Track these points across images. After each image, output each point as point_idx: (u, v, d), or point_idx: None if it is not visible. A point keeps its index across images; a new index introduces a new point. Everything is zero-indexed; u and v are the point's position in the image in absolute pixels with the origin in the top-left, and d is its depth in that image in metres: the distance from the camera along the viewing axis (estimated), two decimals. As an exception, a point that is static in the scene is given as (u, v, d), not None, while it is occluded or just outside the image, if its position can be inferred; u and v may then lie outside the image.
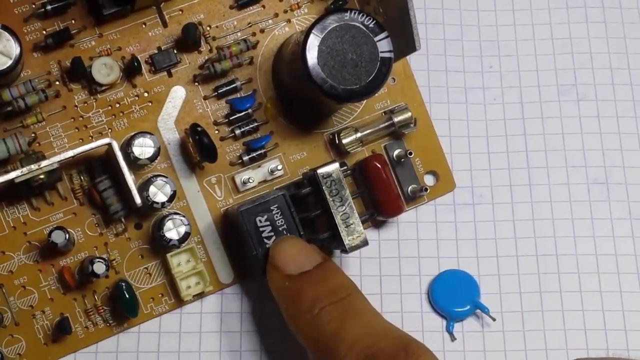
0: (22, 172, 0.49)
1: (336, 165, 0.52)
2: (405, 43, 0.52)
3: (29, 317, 0.53)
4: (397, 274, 0.57)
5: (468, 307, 0.56)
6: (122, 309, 0.52)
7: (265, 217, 0.52)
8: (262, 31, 0.56)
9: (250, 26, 0.56)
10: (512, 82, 0.60)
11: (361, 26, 0.51)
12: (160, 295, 0.54)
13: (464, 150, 0.59)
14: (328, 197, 0.51)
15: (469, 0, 0.61)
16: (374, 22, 0.51)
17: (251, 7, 0.56)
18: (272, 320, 0.55)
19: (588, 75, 0.61)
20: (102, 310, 0.53)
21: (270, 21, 0.56)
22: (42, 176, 0.50)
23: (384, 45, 0.51)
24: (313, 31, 0.50)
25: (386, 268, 0.57)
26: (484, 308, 0.55)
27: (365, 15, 0.51)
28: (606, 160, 0.59)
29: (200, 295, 0.54)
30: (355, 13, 0.51)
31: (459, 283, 0.56)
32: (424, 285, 0.57)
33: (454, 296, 0.55)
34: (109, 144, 0.51)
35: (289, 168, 0.56)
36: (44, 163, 0.49)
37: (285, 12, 0.56)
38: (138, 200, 0.51)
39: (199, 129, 0.52)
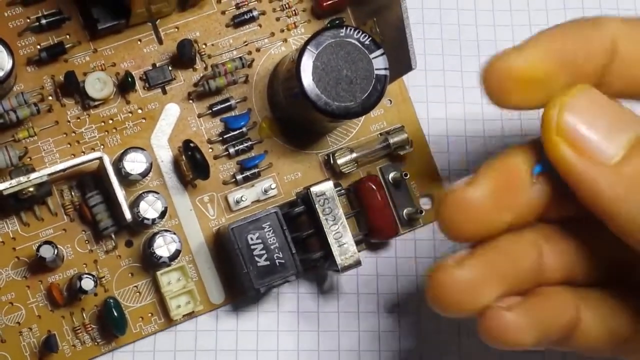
0: (10, 184, 0.49)
1: (330, 183, 0.51)
2: (402, 62, 0.51)
3: (16, 334, 0.52)
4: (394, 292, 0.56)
5: None
6: (110, 326, 0.51)
7: (257, 234, 0.51)
8: (258, 50, 0.56)
9: (247, 45, 0.55)
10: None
11: (357, 43, 0.50)
12: (149, 315, 0.53)
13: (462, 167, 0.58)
14: (321, 215, 0.51)
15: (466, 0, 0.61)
16: (370, 39, 0.50)
17: (247, 26, 0.56)
18: (268, 337, 0.54)
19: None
20: (90, 329, 0.52)
21: (266, 40, 0.56)
22: (31, 189, 0.49)
23: (379, 62, 0.50)
24: (308, 47, 0.50)
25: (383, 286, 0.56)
26: None
27: (360, 32, 0.50)
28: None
29: (190, 315, 0.53)
30: (350, 30, 0.50)
31: None
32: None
33: None
34: (100, 158, 0.50)
35: (283, 188, 0.55)
36: (33, 175, 0.49)
37: (282, 31, 0.56)
38: (128, 215, 0.50)
39: (192, 144, 0.52)
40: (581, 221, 0.40)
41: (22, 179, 0.49)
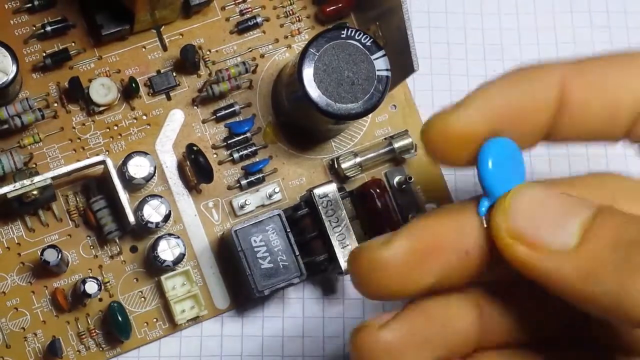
0: (14, 187, 0.49)
1: (333, 185, 0.51)
2: (405, 65, 0.51)
3: (21, 340, 0.52)
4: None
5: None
6: (115, 330, 0.51)
7: (260, 237, 0.51)
8: (262, 56, 0.56)
9: (251, 51, 0.56)
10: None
11: (358, 44, 0.50)
12: (154, 320, 0.53)
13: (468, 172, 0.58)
14: (324, 217, 0.51)
15: (472, 3, 0.60)
16: (371, 40, 0.50)
17: (251, 32, 0.56)
18: (273, 342, 0.54)
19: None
20: (95, 334, 0.52)
21: (270, 46, 0.56)
22: (35, 192, 0.49)
23: (380, 63, 0.50)
24: (310, 48, 0.50)
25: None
26: None
27: (362, 34, 0.50)
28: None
29: (194, 320, 0.53)
30: (352, 31, 0.50)
31: (508, 157, 0.38)
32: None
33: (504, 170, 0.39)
34: (104, 162, 0.50)
35: (287, 193, 0.55)
36: (37, 178, 0.49)
37: (286, 37, 0.56)
38: (132, 218, 0.50)
39: (195, 148, 0.52)
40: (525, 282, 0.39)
41: (26, 182, 0.49)
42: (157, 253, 0.51)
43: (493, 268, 0.36)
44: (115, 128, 0.54)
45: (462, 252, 0.35)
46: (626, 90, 0.37)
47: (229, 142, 0.54)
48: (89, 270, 0.53)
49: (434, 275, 0.36)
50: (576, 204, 0.35)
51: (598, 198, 0.36)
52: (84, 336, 0.52)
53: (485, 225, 0.35)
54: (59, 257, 0.50)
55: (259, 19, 0.56)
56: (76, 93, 0.53)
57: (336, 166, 0.55)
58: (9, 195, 0.49)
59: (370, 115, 0.56)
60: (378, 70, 0.50)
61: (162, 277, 0.52)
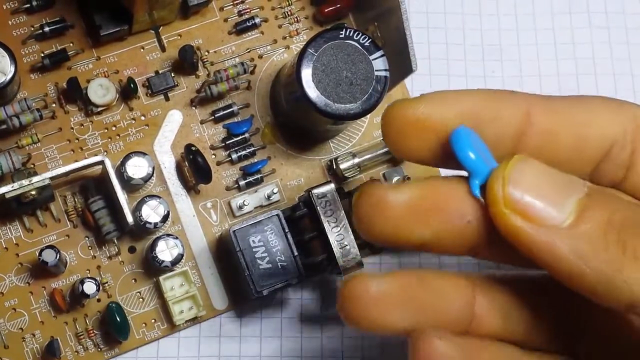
0: (12, 187, 0.49)
1: (331, 185, 0.51)
2: (404, 65, 0.51)
3: (19, 340, 0.52)
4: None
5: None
6: (113, 330, 0.51)
7: (259, 237, 0.51)
8: (260, 57, 0.56)
9: (249, 52, 0.56)
10: (515, 87, 0.59)
11: (356, 44, 0.50)
12: (153, 321, 0.53)
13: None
14: (323, 217, 0.51)
15: (471, 4, 0.60)
16: (369, 40, 0.50)
17: (250, 33, 0.56)
18: (271, 344, 0.54)
19: (590, 80, 0.60)
20: (93, 334, 0.52)
21: (268, 47, 0.56)
22: (33, 192, 0.49)
23: (379, 63, 0.50)
24: (308, 48, 0.50)
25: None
26: None
27: (360, 34, 0.50)
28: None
29: (193, 321, 0.53)
30: (350, 31, 0.50)
31: (475, 141, 0.38)
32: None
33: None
34: (102, 162, 0.50)
35: (285, 194, 0.55)
36: (35, 178, 0.49)
37: (284, 38, 0.56)
38: (130, 218, 0.50)
39: (193, 148, 0.52)
40: (525, 281, 0.39)
41: (24, 182, 0.49)
42: (155, 253, 0.51)
43: (492, 248, 0.37)
44: (114, 129, 0.54)
45: (464, 219, 0.36)
46: (593, 124, 0.38)
47: (227, 142, 0.54)
48: (87, 271, 0.53)
49: (433, 230, 0.36)
50: (572, 182, 0.35)
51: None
52: (82, 337, 0.52)
53: (483, 202, 0.35)
54: (57, 257, 0.50)
55: (257, 20, 0.56)
56: (74, 93, 0.53)
57: (335, 167, 0.55)
58: (7, 196, 0.49)
59: (368, 116, 0.56)
60: (376, 70, 0.50)
61: (161, 278, 0.52)
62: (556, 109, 0.38)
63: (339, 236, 0.51)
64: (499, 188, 0.35)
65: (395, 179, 0.55)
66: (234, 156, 0.54)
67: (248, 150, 0.55)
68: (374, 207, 0.36)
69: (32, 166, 0.52)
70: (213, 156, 0.54)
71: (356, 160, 0.55)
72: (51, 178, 0.50)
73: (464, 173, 0.36)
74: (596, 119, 0.38)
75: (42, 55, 0.53)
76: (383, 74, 0.51)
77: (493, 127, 0.37)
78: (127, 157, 0.51)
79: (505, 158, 0.35)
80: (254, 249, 0.51)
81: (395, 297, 0.37)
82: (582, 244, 0.34)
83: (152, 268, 0.53)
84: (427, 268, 0.37)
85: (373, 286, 0.37)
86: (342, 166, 0.55)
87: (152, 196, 0.52)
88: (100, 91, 0.53)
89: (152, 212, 0.51)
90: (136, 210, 0.51)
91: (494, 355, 0.39)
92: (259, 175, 0.54)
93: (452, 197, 0.36)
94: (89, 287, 0.50)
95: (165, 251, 0.51)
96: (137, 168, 0.51)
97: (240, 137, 0.55)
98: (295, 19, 0.56)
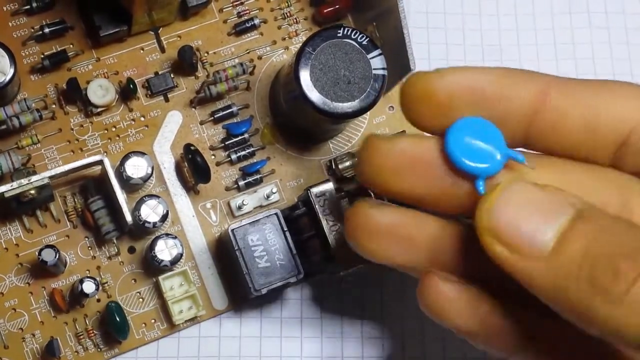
0: (12, 186, 0.49)
1: (330, 184, 0.51)
2: (402, 65, 0.52)
3: (19, 340, 0.52)
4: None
5: (499, 156, 0.38)
6: (112, 330, 0.51)
7: (258, 236, 0.51)
8: (259, 58, 0.56)
9: (248, 53, 0.56)
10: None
11: (354, 43, 0.50)
12: (152, 321, 0.53)
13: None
14: (321, 216, 0.51)
15: (471, 4, 0.60)
16: (367, 39, 0.50)
17: (249, 34, 0.56)
18: (271, 343, 0.54)
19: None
20: (92, 335, 0.52)
21: (268, 48, 0.56)
22: (32, 191, 0.49)
23: (377, 62, 0.50)
24: (306, 47, 0.50)
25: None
26: (518, 156, 0.38)
27: (358, 33, 0.50)
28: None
29: (192, 321, 0.53)
30: (348, 30, 0.50)
31: (478, 133, 0.39)
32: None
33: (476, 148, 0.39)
34: (101, 161, 0.51)
35: (285, 194, 0.55)
36: (34, 178, 0.49)
37: (284, 39, 0.56)
38: (129, 217, 0.50)
39: (192, 147, 0.52)
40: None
41: (23, 181, 0.49)
42: (154, 253, 0.51)
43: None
44: (113, 129, 0.54)
45: (446, 181, 0.38)
46: (610, 108, 0.38)
47: (226, 143, 0.55)
48: (87, 271, 0.53)
49: (423, 186, 0.38)
50: (560, 202, 0.35)
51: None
52: (82, 337, 0.52)
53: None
54: (57, 257, 0.50)
55: (256, 21, 0.56)
56: (74, 94, 0.53)
57: (334, 167, 0.55)
58: (7, 195, 0.49)
59: (367, 116, 0.56)
60: (374, 69, 0.50)
61: (160, 278, 0.52)
62: (573, 90, 0.38)
63: (338, 235, 0.51)
64: (482, 219, 0.36)
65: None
66: (234, 157, 0.54)
67: (247, 151, 0.55)
68: (372, 155, 0.39)
69: (32, 167, 0.52)
70: (212, 157, 0.55)
71: (356, 159, 0.55)
72: (50, 177, 0.50)
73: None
74: (614, 103, 0.38)
75: (42, 56, 0.53)
76: (381, 72, 0.51)
77: (507, 103, 0.38)
78: (126, 157, 0.52)
79: (494, 187, 0.36)
80: (252, 248, 0.51)
81: (393, 228, 0.41)
82: (558, 277, 0.34)
83: (151, 268, 0.53)
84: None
85: (372, 214, 0.41)
86: (342, 166, 0.55)
87: (151, 196, 0.52)
88: (100, 92, 0.53)
89: (151, 212, 0.51)
90: (135, 210, 0.51)
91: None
92: (258, 176, 0.55)
93: (423, 161, 0.38)
94: (88, 287, 0.50)
95: (165, 250, 0.51)
96: (136, 168, 0.51)
97: (240, 138, 0.55)
98: (295, 20, 0.57)
